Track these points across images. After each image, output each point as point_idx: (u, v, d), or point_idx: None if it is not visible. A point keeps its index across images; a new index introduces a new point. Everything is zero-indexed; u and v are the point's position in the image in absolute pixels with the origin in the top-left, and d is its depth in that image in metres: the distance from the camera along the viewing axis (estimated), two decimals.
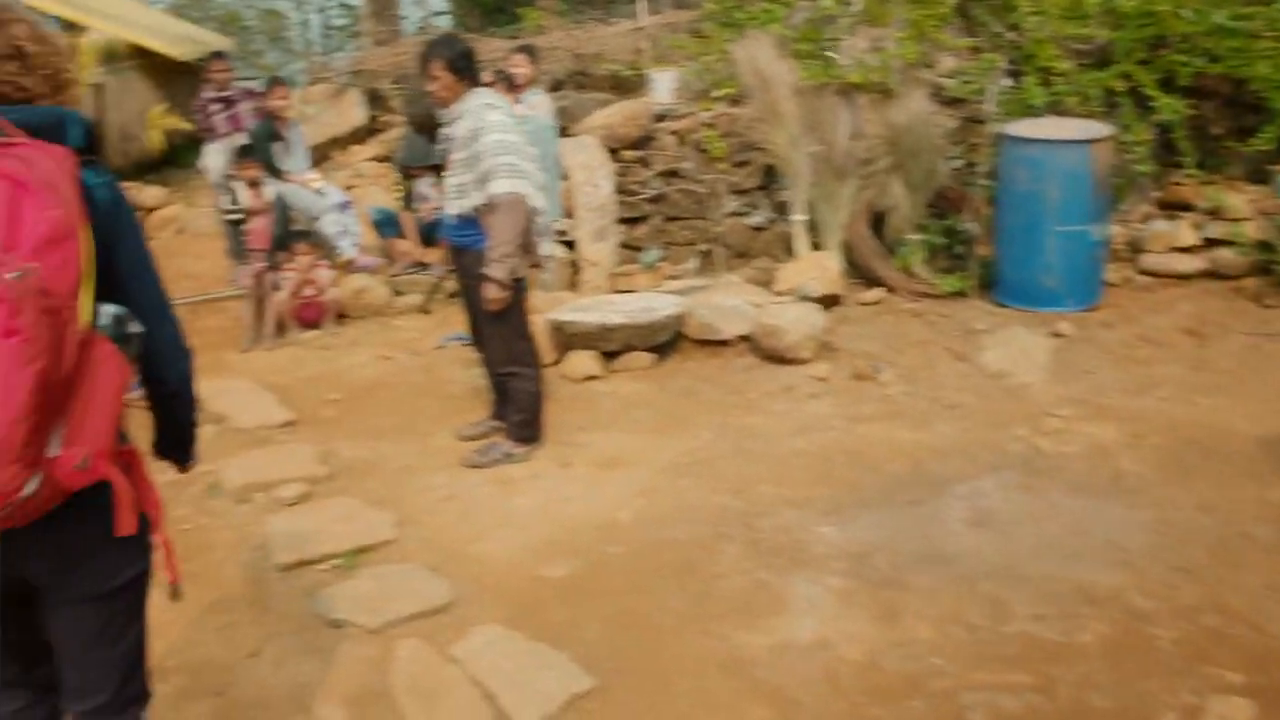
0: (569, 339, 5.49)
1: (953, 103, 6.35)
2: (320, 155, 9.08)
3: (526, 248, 4.17)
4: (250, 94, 7.55)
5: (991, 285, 6.13)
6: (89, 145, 1.70)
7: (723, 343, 5.61)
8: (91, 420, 1.58)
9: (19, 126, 1.62)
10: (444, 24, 16.61)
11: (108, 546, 1.74)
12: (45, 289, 1.48)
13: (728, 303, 5.84)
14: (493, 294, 4.10)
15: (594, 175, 6.60)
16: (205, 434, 4.86)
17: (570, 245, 6.61)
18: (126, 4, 17.55)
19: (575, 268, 6.61)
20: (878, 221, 6.47)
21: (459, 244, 4.31)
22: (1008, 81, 6.28)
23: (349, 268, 6.88)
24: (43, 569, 1.73)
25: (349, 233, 6.96)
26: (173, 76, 14.57)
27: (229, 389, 5.43)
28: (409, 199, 7.08)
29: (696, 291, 6.13)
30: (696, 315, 5.66)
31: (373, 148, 12.62)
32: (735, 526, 3.73)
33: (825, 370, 5.26)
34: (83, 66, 12.87)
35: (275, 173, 6.82)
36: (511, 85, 6.45)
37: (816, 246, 6.57)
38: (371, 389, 5.51)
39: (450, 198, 4.24)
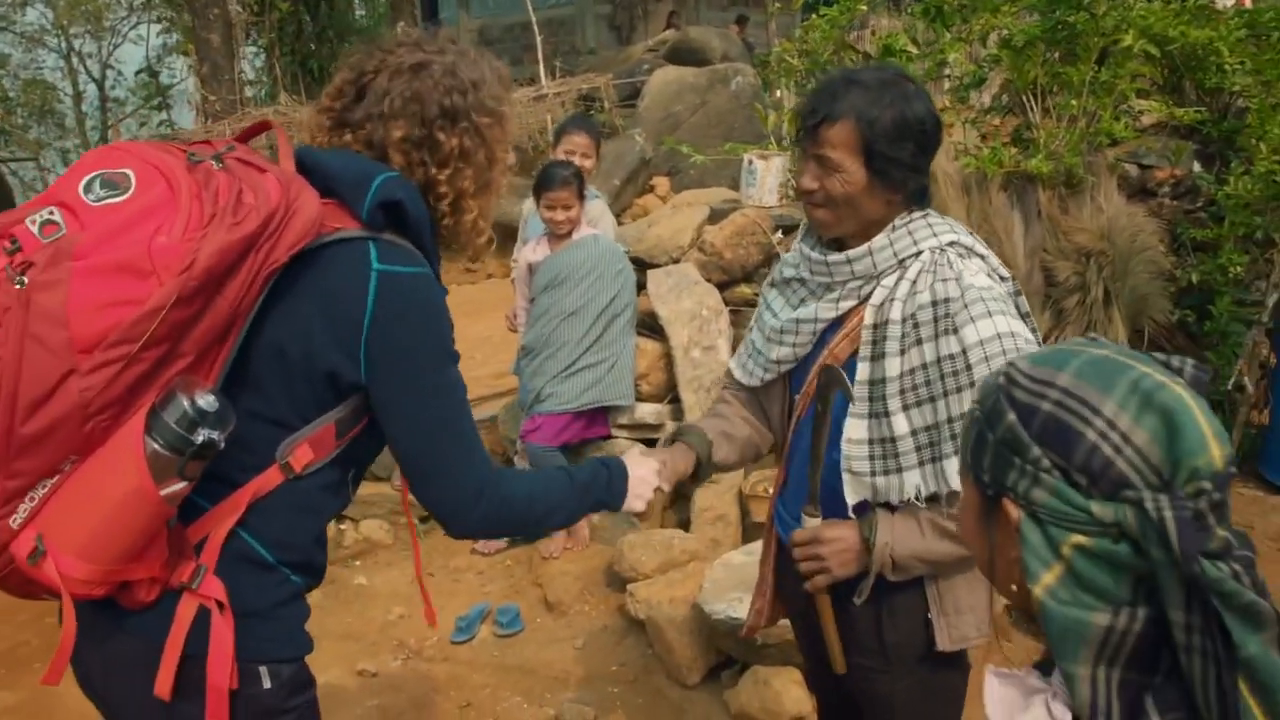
0: (727, 643, 3.11)
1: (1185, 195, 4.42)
2: None
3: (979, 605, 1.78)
4: None
5: (1261, 459, 4.24)
6: (396, 224, 1.34)
7: None
8: (70, 516, 1.21)
9: (312, 170, 1.34)
10: (259, 94, 13.62)
11: (147, 696, 1.29)
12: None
13: None
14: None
15: (706, 333, 3.98)
16: None
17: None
18: None
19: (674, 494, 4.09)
20: None
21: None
22: None
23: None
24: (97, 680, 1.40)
25: None
26: None
27: None
28: None
29: None
30: None
31: None
32: None
33: None
34: None
35: None
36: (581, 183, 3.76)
37: None
38: None
39: (852, 457, 1.66)
